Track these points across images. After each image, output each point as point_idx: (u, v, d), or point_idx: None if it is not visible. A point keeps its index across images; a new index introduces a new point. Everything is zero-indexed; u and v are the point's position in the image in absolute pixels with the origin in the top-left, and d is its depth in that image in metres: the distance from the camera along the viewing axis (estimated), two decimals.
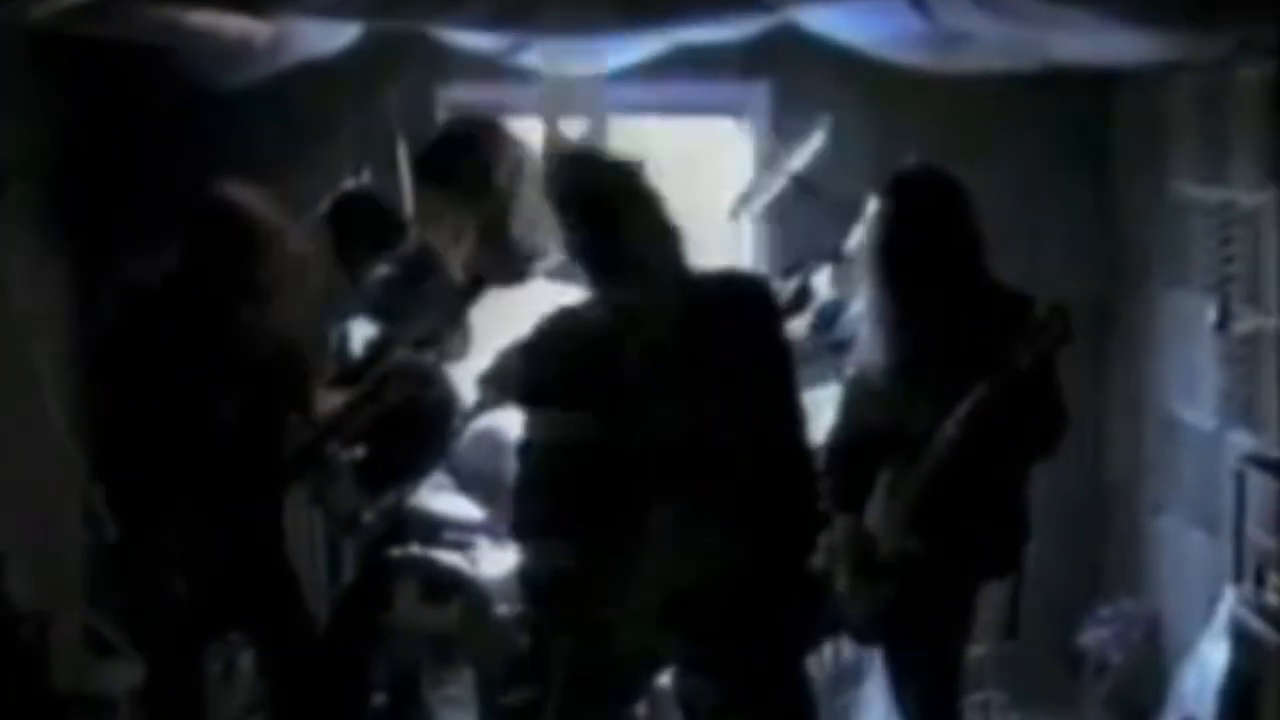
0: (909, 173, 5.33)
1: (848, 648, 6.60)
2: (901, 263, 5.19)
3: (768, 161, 6.91)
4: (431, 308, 6.27)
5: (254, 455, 5.64)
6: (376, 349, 6.25)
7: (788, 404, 5.09)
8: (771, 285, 5.24)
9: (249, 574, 5.67)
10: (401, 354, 6.07)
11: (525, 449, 5.30)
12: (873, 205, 5.36)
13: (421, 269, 6.40)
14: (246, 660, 6.48)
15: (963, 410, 4.98)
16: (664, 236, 5.03)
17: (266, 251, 5.56)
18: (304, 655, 5.79)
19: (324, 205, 6.57)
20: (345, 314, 6.50)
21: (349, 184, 6.65)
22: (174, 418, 5.48)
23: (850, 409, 5.47)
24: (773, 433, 5.04)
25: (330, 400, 5.86)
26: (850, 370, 5.53)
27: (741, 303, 5.10)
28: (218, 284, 5.55)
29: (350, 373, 6.14)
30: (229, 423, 5.55)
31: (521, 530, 5.40)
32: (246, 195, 5.59)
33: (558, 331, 5.09)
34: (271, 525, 5.81)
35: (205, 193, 5.59)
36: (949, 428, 5.01)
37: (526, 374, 5.20)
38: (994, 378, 4.93)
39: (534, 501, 5.25)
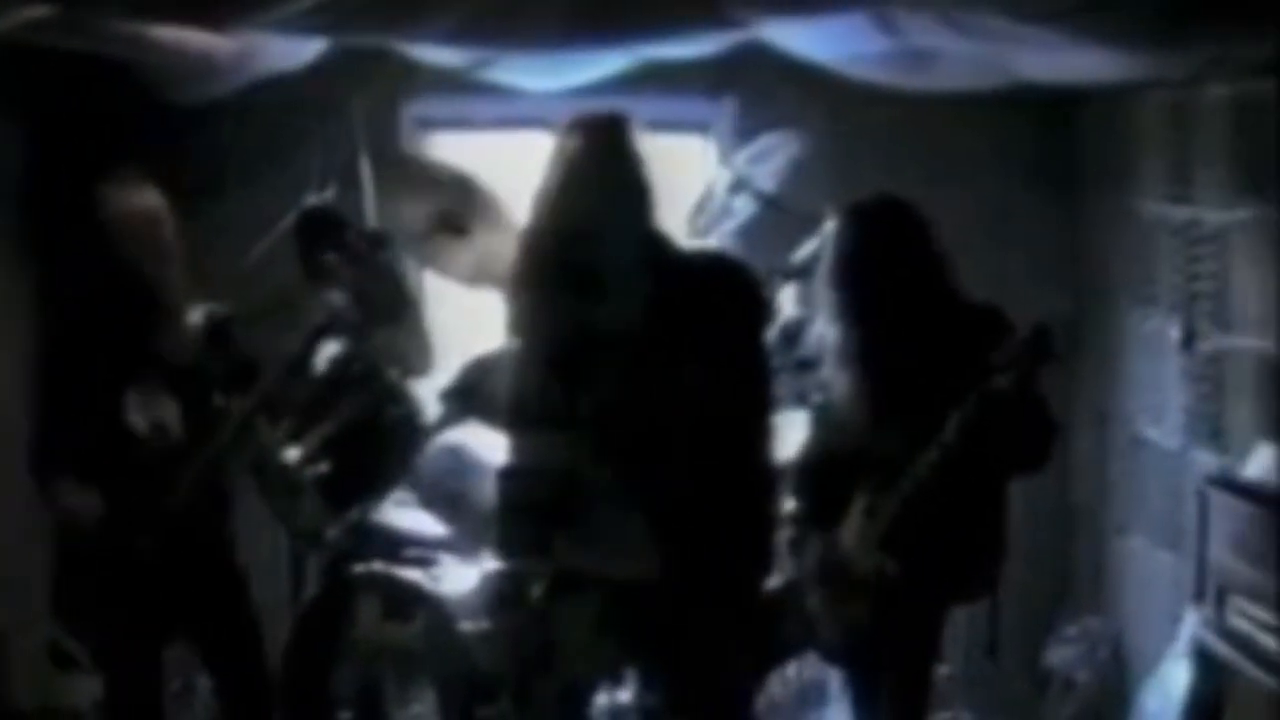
0: (863, 205, 5.33)
1: (811, 666, 6.60)
2: (859, 294, 5.21)
3: (732, 181, 6.89)
4: (397, 323, 6.27)
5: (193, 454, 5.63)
6: (341, 365, 6.23)
7: (754, 418, 4.93)
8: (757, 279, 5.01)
9: (194, 576, 5.65)
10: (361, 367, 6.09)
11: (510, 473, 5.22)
12: (828, 234, 5.37)
13: (388, 283, 6.39)
14: (204, 681, 6.45)
15: (948, 432, 4.97)
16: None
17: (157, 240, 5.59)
18: (254, 670, 5.78)
19: (289, 220, 6.55)
20: (310, 329, 6.48)
21: (314, 199, 6.63)
22: (107, 422, 5.49)
23: (820, 431, 5.47)
24: (735, 447, 4.87)
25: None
26: (816, 395, 5.51)
27: (720, 297, 4.86)
28: (129, 282, 5.57)
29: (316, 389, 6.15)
30: (168, 423, 5.54)
31: (505, 550, 5.39)
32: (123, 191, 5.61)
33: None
34: (217, 527, 5.78)
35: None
36: (932, 449, 5.01)
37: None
38: (976, 398, 4.92)
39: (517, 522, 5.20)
